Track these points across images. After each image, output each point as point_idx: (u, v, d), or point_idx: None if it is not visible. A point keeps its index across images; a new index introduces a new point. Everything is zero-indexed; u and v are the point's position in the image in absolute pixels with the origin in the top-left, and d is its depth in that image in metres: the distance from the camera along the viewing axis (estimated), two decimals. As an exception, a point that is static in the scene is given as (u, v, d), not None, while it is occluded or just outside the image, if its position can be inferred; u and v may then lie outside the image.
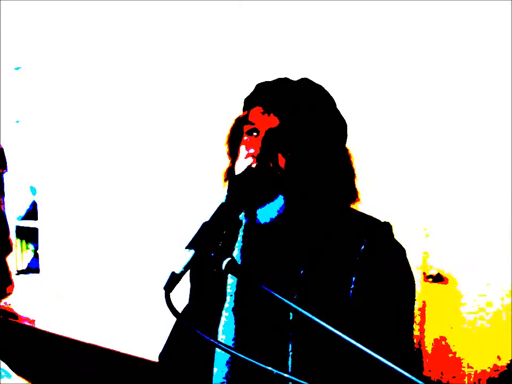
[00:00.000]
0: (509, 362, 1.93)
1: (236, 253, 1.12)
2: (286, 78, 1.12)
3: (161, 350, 1.24)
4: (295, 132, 1.02)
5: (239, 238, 1.12)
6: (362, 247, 1.00)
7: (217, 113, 2.69)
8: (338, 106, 1.11)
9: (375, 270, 1.00)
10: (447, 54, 2.06)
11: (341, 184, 1.06)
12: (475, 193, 2.01)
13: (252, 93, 1.12)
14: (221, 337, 1.08)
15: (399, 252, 1.05)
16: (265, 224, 1.02)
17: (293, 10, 2.47)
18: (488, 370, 1.99)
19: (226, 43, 2.71)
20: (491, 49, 1.97)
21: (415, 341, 1.05)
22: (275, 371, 0.71)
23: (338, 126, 1.09)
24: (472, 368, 2.02)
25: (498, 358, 1.96)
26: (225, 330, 1.08)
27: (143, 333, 2.99)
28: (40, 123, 3.79)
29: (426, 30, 2.10)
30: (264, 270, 1.06)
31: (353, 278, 0.99)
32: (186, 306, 1.24)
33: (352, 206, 1.10)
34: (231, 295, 1.09)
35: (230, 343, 1.07)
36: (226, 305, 1.10)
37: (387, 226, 1.05)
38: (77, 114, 3.48)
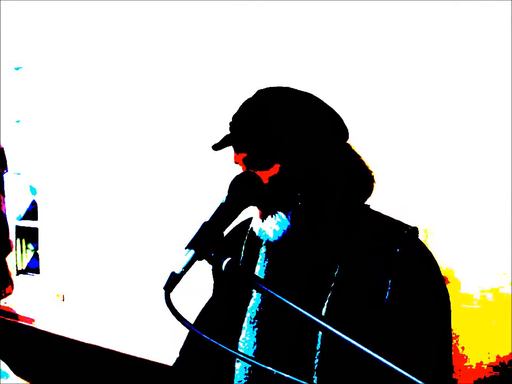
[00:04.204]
0: (509, 361, 1.94)
1: (259, 270, 1.11)
2: (243, 107, 1.09)
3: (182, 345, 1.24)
4: (266, 151, 1.02)
5: (261, 256, 1.12)
6: (398, 250, 1.00)
7: (217, 114, 2.69)
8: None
9: (412, 276, 1.00)
10: (447, 54, 2.06)
11: (347, 182, 1.06)
12: (476, 193, 2.01)
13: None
14: (244, 336, 1.08)
15: (432, 259, 1.06)
16: (275, 241, 1.03)
17: (293, 12, 2.47)
18: (489, 369, 1.99)
19: (227, 44, 2.71)
20: (491, 49, 1.97)
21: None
22: (275, 371, 0.71)
23: (320, 121, 1.06)
24: (472, 367, 2.03)
25: (498, 357, 1.96)
26: (248, 329, 1.08)
27: (143, 333, 2.99)
28: (40, 123, 3.79)
29: (426, 31, 2.10)
30: (292, 280, 1.05)
31: (389, 282, 0.99)
32: (209, 299, 1.24)
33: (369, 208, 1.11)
34: (258, 292, 1.09)
35: (252, 342, 1.06)
36: (252, 301, 1.09)
37: (416, 231, 1.06)
38: (77, 114, 3.48)
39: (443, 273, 2.08)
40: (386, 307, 0.98)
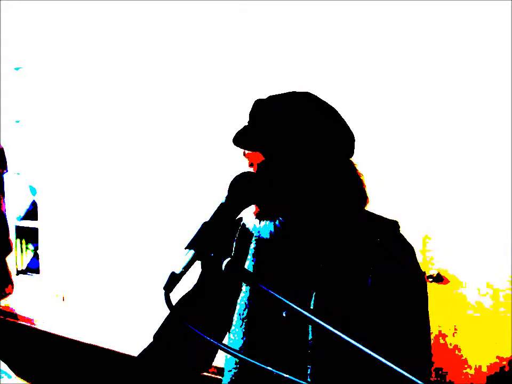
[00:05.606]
0: (509, 361, 1.94)
1: (248, 264, 1.13)
2: (262, 107, 1.08)
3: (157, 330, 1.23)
4: (281, 161, 1.03)
5: (250, 252, 1.13)
6: (378, 239, 1.04)
7: (217, 115, 2.69)
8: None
9: (391, 263, 1.03)
10: (447, 56, 2.06)
11: (344, 194, 1.08)
12: (475, 194, 2.01)
13: (235, 137, 1.10)
14: (233, 328, 1.10)
15: (411, 249, 1.08)
16: (266, 238, 1.05)
17: (294, 15, 2.47)
18: (489, 369, 1.99)
19: (229, 46, 2.71)
20: (491, 50, 1.97)
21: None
22: (274, 371, 0.71)
23: (340, 139, 1.08)
24: (472, 367, 2.02)
25: (498, 357, 1.96)
26: (237, 321, 1.10)
27: (143, 333, 2.99)
28: (40, 123, 3.79)
29: (427, 33, 2.10)
30: (280, 274, 1.07)
31: (370, 268, 1.02)
32: (194, 289, 1.23)
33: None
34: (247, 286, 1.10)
35: (241, 333, 1.08)
36: (241, 294, 1.11)
37: (397, 225, 1.09)
38: (77, 114, 3.48)
39: (443, 274, 2.08)
40: (369, 294, 1.01)
